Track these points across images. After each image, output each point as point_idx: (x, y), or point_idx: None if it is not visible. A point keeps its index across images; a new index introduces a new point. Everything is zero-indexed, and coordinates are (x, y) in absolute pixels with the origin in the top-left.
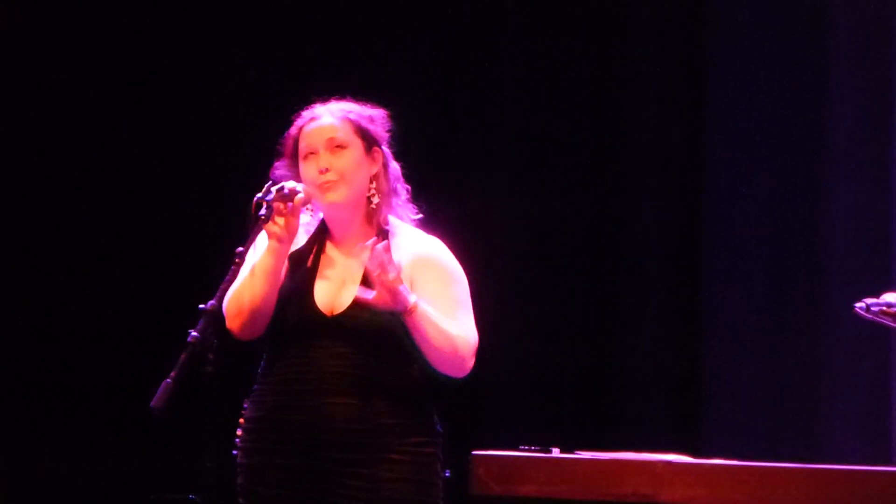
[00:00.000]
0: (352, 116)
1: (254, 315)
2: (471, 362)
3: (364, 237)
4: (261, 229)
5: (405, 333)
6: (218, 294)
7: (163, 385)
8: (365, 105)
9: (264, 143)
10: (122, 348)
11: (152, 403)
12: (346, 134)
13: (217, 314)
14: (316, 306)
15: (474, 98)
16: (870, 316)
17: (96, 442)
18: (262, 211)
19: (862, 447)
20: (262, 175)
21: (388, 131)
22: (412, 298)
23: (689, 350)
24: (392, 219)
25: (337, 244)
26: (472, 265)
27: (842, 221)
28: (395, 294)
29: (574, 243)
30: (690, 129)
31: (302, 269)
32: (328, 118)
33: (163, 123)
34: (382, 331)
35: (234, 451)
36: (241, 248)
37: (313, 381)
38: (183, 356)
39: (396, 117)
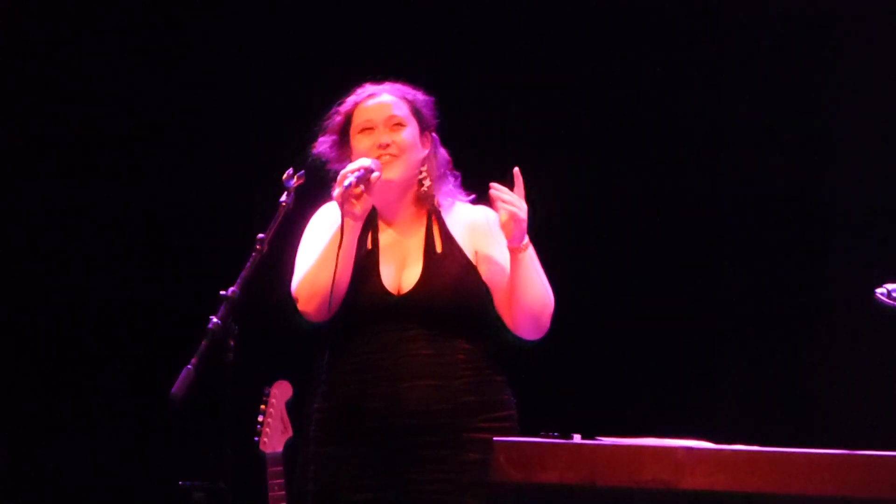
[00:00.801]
0: (409, 97)
1: (327, 296)
2: (548, 320)
3: (416, 218)
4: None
5: (477, 302)
6: (239, 281)
7: (183, 372)
8: (417, 89)
9: (283, 131)
10: (144, 335)
11: (173, 391)
12: (405, 112)
13: (238, 301)
14: (384, 286)
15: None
16: (891, 302)
17: (118, 430)
18: (337, 192)
19: (883, 433)
20: (276, 162)
21: (437, 118)
22: (526, 237)
23: (708, 335)
24: (443, 199)
25: (389, 226)
26: None
27: (855, 203)
28: (518, 223)
29: (584, 225)
30: (704, 119)
31: (362, 251)
32: (388, 96)
33: (181, 109)
34: (452, 304)
35: (256, 438)
36: (262, 235)
37: (388, 367)
38: (203, 343)
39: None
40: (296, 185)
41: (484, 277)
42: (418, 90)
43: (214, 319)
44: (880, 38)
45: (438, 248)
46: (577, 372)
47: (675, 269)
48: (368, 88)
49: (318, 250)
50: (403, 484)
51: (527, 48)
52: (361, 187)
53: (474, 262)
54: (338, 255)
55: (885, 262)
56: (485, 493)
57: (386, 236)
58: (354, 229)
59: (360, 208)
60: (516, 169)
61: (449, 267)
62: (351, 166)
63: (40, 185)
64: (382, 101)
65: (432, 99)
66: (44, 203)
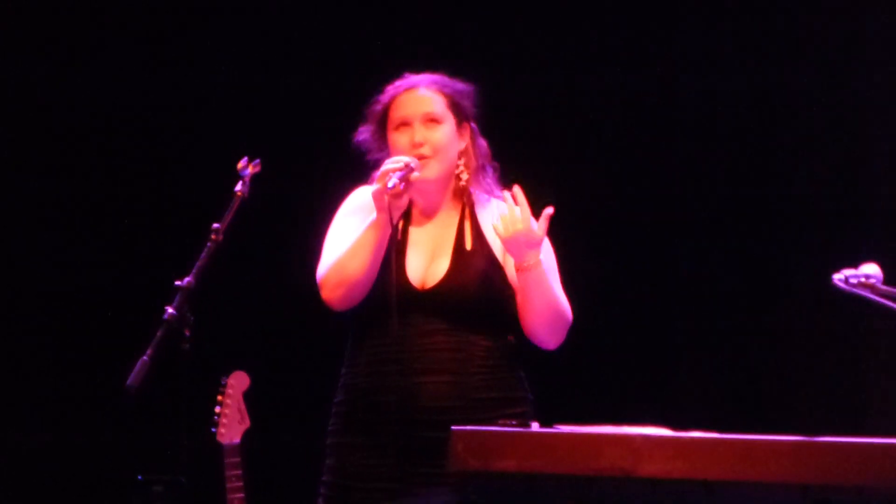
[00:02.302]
0: (446, 90)
1: (357, 286)
2: (565, 330)
3: (451, 211)
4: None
5: (500, 301)
6: (194, 270)
7: (139, 363)
8: (455, 79)
9: (240, 119)
10: (98, 326)
11: (128, 382)
12: (440, 108)
13: (193, 291)
14: (408, 280)
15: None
16: (848, 288)
17: (74, 422)
18: (399, 185)
19: (840, 419)
20: (239, 151)
21: (476, 107)
22: (534, 257)
23: (663, 322)
24: (479, 193)
25: (424, 217)
26: None
27: (816, 188)
28: (517, 243)
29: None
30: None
31: (391, 243)
32: (424, 90)
33: (136, 98)
34: (476, 302)
35: (213, 430)
36: (217, 224)
37: (405, 361)
38: (159, 333)
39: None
40: (251, 174)
41: (509, 277)
42: (457, 80)
43: (170, 310)
44: (838, 29)
45: (468, 245)
46: (533, 362)
47: (632, 257)
48: (407, 80)
49: (349, 239)
50: (416, 477)
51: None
52: (402, 185)
53: (502, 262)
54: (368, 248)
55: (843, 249)
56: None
57: (418, 228)
58: (388, 225)
59: (397, 205)
60: (516, 188)
61: (476, 264)
62: (391, 164)
63: None
64: (418, 96)
65: (472, 88)
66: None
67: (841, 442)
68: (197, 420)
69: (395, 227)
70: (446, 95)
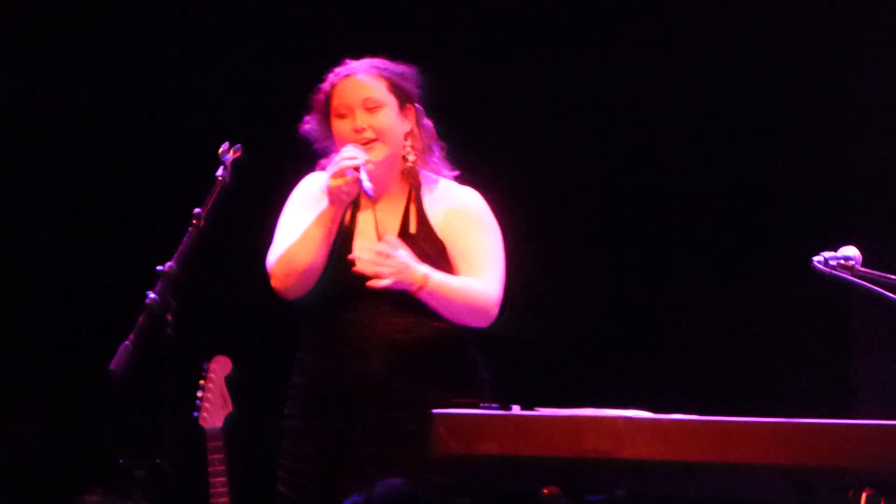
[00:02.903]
0: (386, 74)
1: (306, 276)
2: (493, 312)
3: (398, 194)
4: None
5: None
6: (176, 256)
7: (121, 348)
8: (397, 62)
9: (221, 105)
10: (81, 312)
11: (111, 366)
12: (381, 92)
13: (175, 276)
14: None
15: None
16: (828, 270)
17: (57, 407)
18: (328, 181)
19: (820, 401)
20: (219, 136)
21: (420, 88)
22: (421, 272)
23: (646, 306)
24: (427, 174)
25: (372, 201)
26: None
27: (795, 172)
28: (400, 282)
29: (531, 204)
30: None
31: (341, 228)
32: (363, 76)
33: (117, 84)
34: None
35: (195, 414)
36: (198, 210)
37: (356, 343)
38: (141, 319)
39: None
40: (232, 159)
41: (452, 259)
42: (399, 63)
43: (152, 295)
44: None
45: (412, 229)
46: (515, 344)
47: (615, 241)
48: (345, 67)
49: (298, 229)
50: (371, 456)
51: (519, 22)
52: (357, 174)
53: (445, 244)
54: (318, 238)
55: (823, 232)
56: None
57: (365, 212)
58: (338, 215)
59: (348, 197)
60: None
61: (420, 248)
62: (344, 158)
63: None
64: (357, 82)
65: (415, 69)
66: None
67: (822, 424)
68: (179, 404)
69: (344, 213)
70: (386, 79)
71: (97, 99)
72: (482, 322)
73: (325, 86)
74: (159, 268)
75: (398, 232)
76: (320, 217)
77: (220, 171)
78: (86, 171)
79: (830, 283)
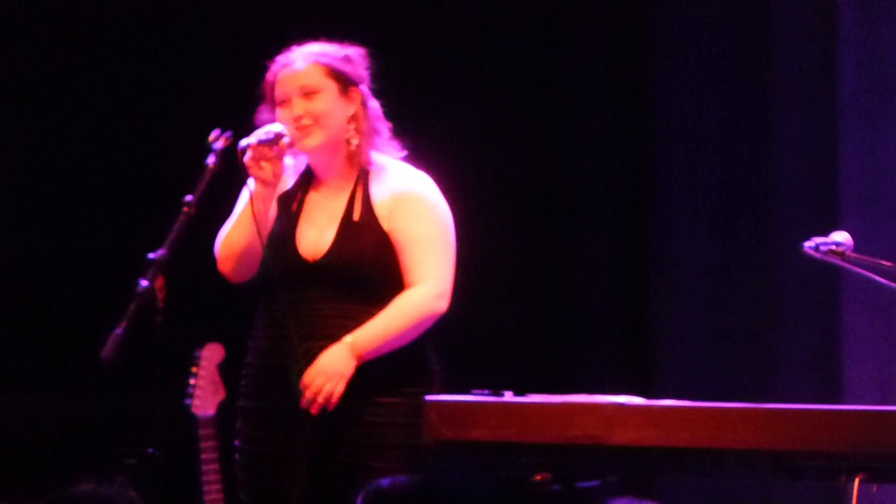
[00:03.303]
0: (323, 59)
1: (243, 258)
2: (438, 305)
3: (345, 180)
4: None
5: (388, 272)
6: (167, 243)
7: (112, 335)
8: (342, 45)
9: (219, 88)
10: (71, 299)
11: (102, 354)
12: (317, 78)
13: (166, 263)
14: (298, 252)
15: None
16: (819, 255)
17: (48, 395)
18: (247, 155)
19: (811, 387)
20: (213, 121)
21: (367, 69)
22: (348, 357)
23: (638, 292)
24: (376, 156)
25: (321, 186)
26: None
27: (789, 161)
28: (337, 383)
29: (523, 189)
30: (636, 72)
31: (287, 213)
32: (299, 63)
33: (114, 68)
34: (361, 273)
35: (187, 401)
36: (189, 197)
37: (300, 326)
38: (132, 306)
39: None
40: (222, 146)
41: (396, 248)
42: (341, 46)
43: (143, 282)
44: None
45: (356, 216)
46: (506, 329)
47: (605, 223)
48: (286, 56)
49: (236, 213)
50: (314, 440)
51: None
52: (251, 149)
53: (388, 232)
54: (248, 220)
55: (815, 218)
56: (391, 455)
57: (313, 198)
58: (265, 194)
59: (268, 173)
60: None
61: (362, 236)
62: (259, 132)
63: None
64: (294, 71)
65: (359, 52)
66: None
67: (812, 409)
68: (171, 392)
69: (293, 198)
70: (323, 65)
71: (90, 85)
72: (432, 322)
73: (270, 76)
74: (151, 255)
75: (340, 219)
76: (250, 199)
77: (210, 159)
78: (77, 157)
79: (821, 269)
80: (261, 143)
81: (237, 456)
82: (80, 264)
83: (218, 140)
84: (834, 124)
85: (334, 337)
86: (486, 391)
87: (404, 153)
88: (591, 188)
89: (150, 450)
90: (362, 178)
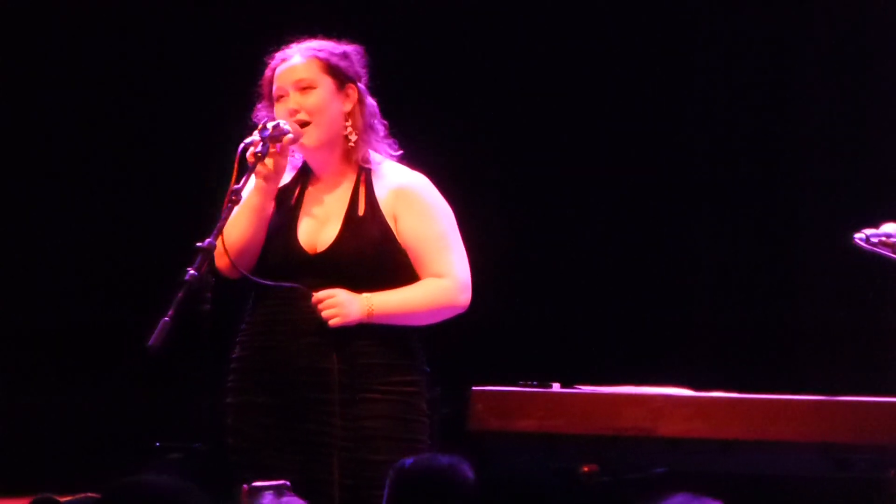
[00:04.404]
0: (321, 55)
1: (241, 253)
2: (462, 298)
3: (345, 176)
4: (254, 169)
5: (391, 267)
6: (214, 232)
7: (160, 324)
8: (340, 42)
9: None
10: (119, 288)
11: (149, 342)
12: (313, 73)
13: (213, 252)
14: (299, 245)
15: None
16: (869, 247)
17: (95, 383)
18: (260, 149)
19: (861, 379)
20: (251, 113)
21: (365, 67)
22: (363, 304)
23: (685, 284)
24: (373, 154)
25: (319, 182)
26: (464, 201)
27: (822, 152)
28: (345, 316)
29: (561, 180)
30: (672, 67)
31: (286, 207)
32: (296, 58)
33: (156, 61)
34: (364, 268)
35: (227, 389)
36: (237, 186)
37: (294, 322)
38: (180, 294)
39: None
40: (270, 136)
41: (401, 244)
42: (339, 43)
43: (191, 271)
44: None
45: (360, 211)
46: (555, 321)
47: (653, 217)
48: (283, 52)
49: (237, 209)
50: (304, 434)
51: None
52: (261, 147)
53: (393, 229)
54: (247, 214)
55: (862, 208)
56: (379, 447)
57: (312, 193)
58: (266, 190)
59: (270, 169)
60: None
61: (367, 230)
62: (261, 128)
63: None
64: (291, 65)
65: (356, 49)
66: (21, 155)
67: (861, 401)
68: (217, 383)
69: (291, 193)
70: (321, 60)
71: (137, 77)
72: (451, 314)
73: (267, 72)
74: (198, 244)
75: (344, 214)
76: (250, 194)
77: (259, 148)
78: (127, 147)
79: (871, 260)
80: (263, 140)
81: (231, 454)
82: (128, 253)
83: (265, 129)
84: None
85: (327, 332)
86: (534, 382)
87: (400, 152)
88: (628, 182)
89: (195, 444)
90: (363, 174)
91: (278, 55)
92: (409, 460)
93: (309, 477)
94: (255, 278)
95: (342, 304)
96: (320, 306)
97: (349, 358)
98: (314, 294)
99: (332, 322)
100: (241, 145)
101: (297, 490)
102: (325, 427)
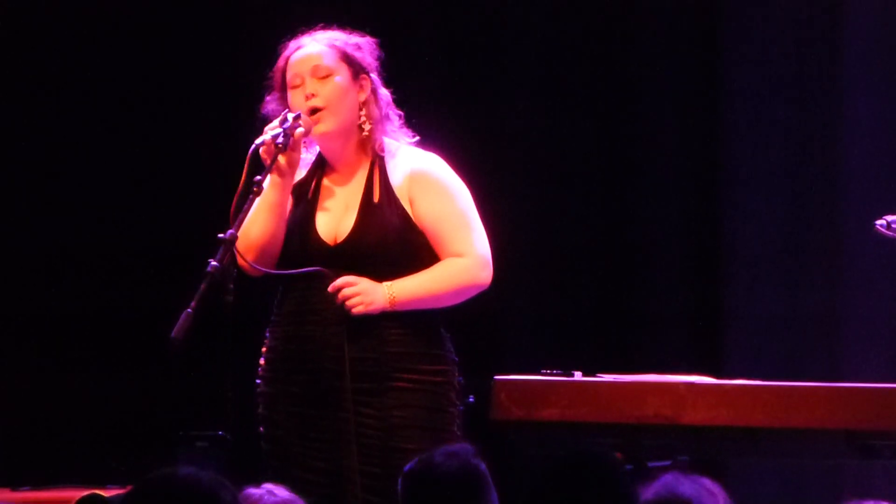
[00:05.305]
0: (337, 44)
1: (264, 250)
2: (483, 275)
3: (360, 164)
4: (274, 162)
5: (412, 253)
6: (236, 223)
7: (183, 315)
8: (352, 33)
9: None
10: (141, 279)
11: (172, 334)
12: (331, 60)
13: (235, 243)
14: (318, 236)
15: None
16: (891, 233)
17: (119, 373)
18: (281, 140)
19: (881, 366)
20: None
21: (378, 59)
22: (384, 293)
23: (708, 273)
24: (387, 142)
25: (334, 173)
26: (490, 188)
27: (860, 141)
28: (368, 304)
29: (592, 171)
30: (706, 61)
31: (303, 200)
32: (313, 46)
33: (177, 53)
34: (384, 255)
35: (257, 381)
36: (258, 178)
37: (320, 311)
38: (202, 286)
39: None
40: (291, 127)
41: (419, 226)
42: (352, 33)
43: (213, 262)
44: None
45: (376, 198)
46: (577, 309)
47: (677, 203)
48: (297, 40)
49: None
50: (335, 423)
51: None
52: (279, 140)
53: (410, 212)
54: (265, 210)
55: (889, 195)
56: (410, 436)
57: (328, 183)
58: (282, 184)
59: (284, 164)
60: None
61: (384, 217)
62: (273, 124)
63: (34, 131)
64: (308, 53)
65: (370, 40)
66: (37, 143)
67: (884, 388)
68: (241, 373)
69: (307, 187)
70: (337, 48)
71: (160, 68)
72: (475, 293)
73: (280, 62)
74: (220, 235)
75: (360, 202)
76: (267, 189)
77: (280, 139)
78: (150, 140)
79: (893, 247)
80: (275, 136)
81: (263, 444)
82: (151, 244)
83: (287, 121)
84: None
85: (354, 321)
86: (556, 371)
87: (416, 138)
88: (663, 172)
89: (221, 433)
90: (377, 161)
91: (291, 44)
92: (411, 464)
93: (337, 465)
94: (274, 272)
95: (365, 292)
96: (342, 293)
97: (378, 346)
98: (333, 282)
99: (355, 310)
100: (260, 139)
101: (325, 479)
102: (354, 416)
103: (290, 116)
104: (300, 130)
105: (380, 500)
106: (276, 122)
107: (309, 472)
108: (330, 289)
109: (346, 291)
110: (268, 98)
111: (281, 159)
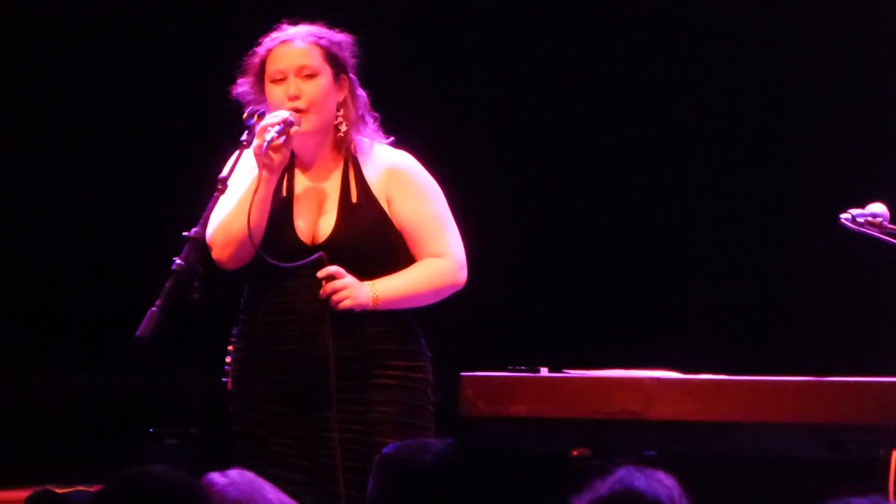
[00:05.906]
0: (322, 42)
1: (244, 245)
2: (460, 277)
3: (333, 163)
4: (264, 160)
5: (391, 252)
6: (201, 221)
7: (148, 314)
8: (333, 30)
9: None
10: (106, 277)
11: (138, 333)
12: (316, 61)
13: (201, 241)
14: (298, 236)
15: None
16: (855, 227)
17: (84, 371)
18: (280, 138)
19: (851, 360)
20: (237, 102)
21: (355, 57)
22: (367, 292)
23: (671, 264)
24: (360, 140)
25: (307, 171)
26: (456, 184)
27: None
28: (354, 300)
29: (550, 167)
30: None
31: (277, 198)
32: (300, 43)
33: (141, 53)
34: (365, 255)
35: (224, 379)
36: (223, 175)
37: (299, 311)
38: (168, 284)
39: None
40: (256, 124)
41: (396, 225)
42: (335, 31)
43: (178, 260)
44: None
45: (354, 198)
46: (542, 305)
47: (641, 197)
48: (282, 32)
49: (234, 198)
50: (316, 421)
51: None
52: (281, 139)
53: (387, 211)
54: (250, 207)
55: (850, 188)
56: (390, 430)
57: (301, 183)
58: (271, 181)
59: (277, 160)
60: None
61: (363, 217)
62: (270, 119)
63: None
64: (294, 49)
65: (350, 39)
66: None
67: (850, 381)
68: (208, 371)
69: (280, 184)
70: (322, 48)
71: (122, 65)
72: (452, 292)
73: (261, 50)
74: (186, 233)
75: (338, 202)
76: (252, 183)
77: (244, 136)
78: (111, 137)
79: (858, 241)
80: (278, 133)
81: (237, 442)
82: (113, 243)
83: (251, 118)
84: None
85: (334, 320)
86: (523, 367)
87: (391, 138)
88: (606, 165)
89: (190, 429)
90: (352, 160)
91: (276, 36)
92: (393, 448)
93: (318, 462)
94: (275, 263)
95: (352, 287)
96: (330, 285)
97: (358, 344)
98: (326, 269)
99: (341, 305)
100: (259, 139)
101: (305, 476)
102: (336, 413)
103: (287, 114)
104: (295, 129)
105: (361, 495)
106: (270, 120)
107: (289, 470)
108: (320, 274)
109: (334, 284)
110: (240, 80)
111: (275, 156)
